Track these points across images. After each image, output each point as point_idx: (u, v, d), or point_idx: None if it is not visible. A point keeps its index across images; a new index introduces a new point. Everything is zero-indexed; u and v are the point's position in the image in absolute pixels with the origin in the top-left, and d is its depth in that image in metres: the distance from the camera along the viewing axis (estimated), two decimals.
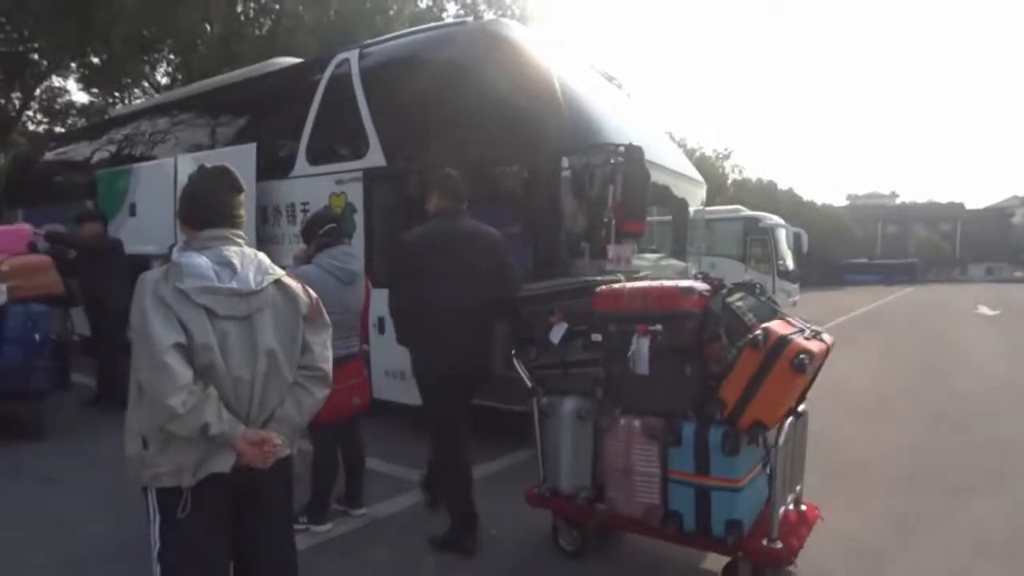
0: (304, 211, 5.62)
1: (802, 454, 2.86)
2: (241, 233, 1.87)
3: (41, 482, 3.91)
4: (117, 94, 16.97)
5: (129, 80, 15.81)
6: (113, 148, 8.45)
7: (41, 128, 18.98)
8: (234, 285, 1.72)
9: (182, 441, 1.67)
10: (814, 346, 2.42)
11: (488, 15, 18.18)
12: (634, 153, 4.11)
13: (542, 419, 2.95)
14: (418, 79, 5.19)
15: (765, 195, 33.91)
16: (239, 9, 14.90)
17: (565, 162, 4.32)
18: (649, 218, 5.28)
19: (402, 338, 3.21)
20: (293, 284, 1.87)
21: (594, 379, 2.83)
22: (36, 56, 14.94)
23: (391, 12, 15.19)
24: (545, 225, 4.43)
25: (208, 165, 1.91)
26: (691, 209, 6.33)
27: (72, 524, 3.36)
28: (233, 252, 1.79)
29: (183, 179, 6.37)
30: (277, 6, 14.83)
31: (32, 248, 4.94)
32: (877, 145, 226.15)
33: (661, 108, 54.72)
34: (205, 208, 1.84)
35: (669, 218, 6.69)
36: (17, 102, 16.62)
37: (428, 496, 3.53)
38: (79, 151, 9.56)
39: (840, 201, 74.24)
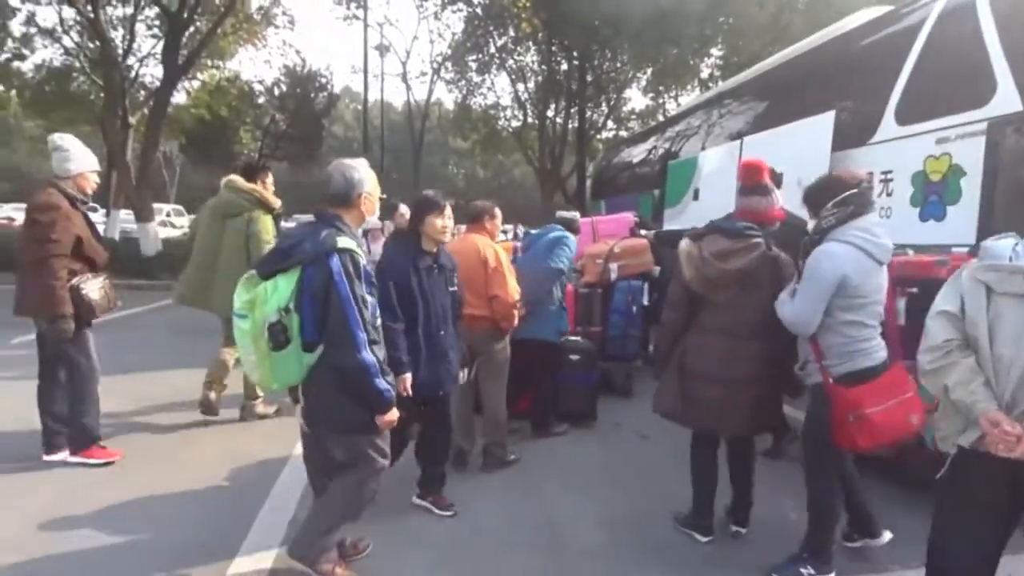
0: (884, 180, 4.85)
1: None
2: None
3: (639, 438, 4.45)
4: (670, 95, 19.16)
5: (677, 80, 17.55)
6: (677, 141, 9.34)
7: (611, 134, 23.16)
8: (1021, 263, 1.76)
9: (952, 409, 1.85)
10: None
11: None
12: None
13: None
14: None
15: None
16: None
17: None
18: None
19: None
20: None
21: None
22: (614, 73, 18.20)
23: None
24: None
25: None
26: None
27: (654, 480, 3.68)
28: None
29: (746, 158, 6.14)
30: None
31: (633, 233, 5.80)
32: None
33: None
34: None
35: None
36: (600, 116, 20.66)
37: None
38: (645, 149, 11.03)
39: None
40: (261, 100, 18.88)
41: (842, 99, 5.48)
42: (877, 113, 5.05)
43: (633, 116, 22.72)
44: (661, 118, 17.24)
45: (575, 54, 16.37)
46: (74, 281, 3.48)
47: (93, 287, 3.56)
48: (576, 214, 5.10)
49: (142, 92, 18.66)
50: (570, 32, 14.87)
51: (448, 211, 3.03)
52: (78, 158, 3.56)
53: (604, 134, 22.88)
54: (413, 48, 32.59)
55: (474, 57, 19.15)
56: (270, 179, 4.52)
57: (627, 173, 11.82)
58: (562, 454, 4.15)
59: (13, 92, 20.29)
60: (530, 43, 18.69)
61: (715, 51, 16.33)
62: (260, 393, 4.60)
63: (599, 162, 15.87)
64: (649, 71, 17.54)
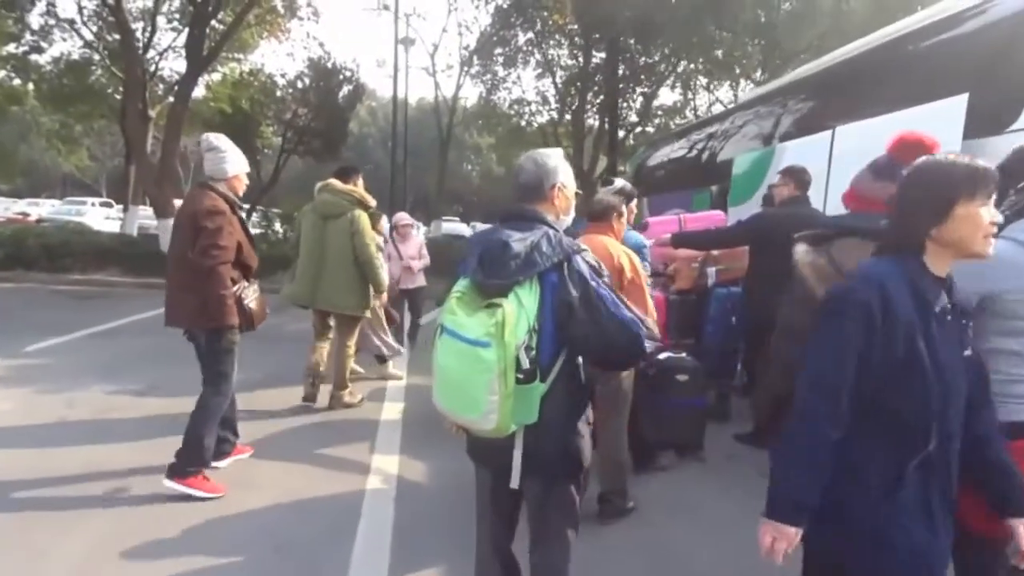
0: None
1: None
2: None
3: (760, 476, 3.81)
4: (705, 88, 18.37)
5: (727, 72, 16.69)
6: (745, 132, 8.64)
7: (638, 131, 22.32)
8: None
9: None
10: None
11: None
12: None
13: None
14: None
15: None
16: None
17: None
18: None
19: None
20: None
21: None
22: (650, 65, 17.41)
23: None
24: None
25: None
26: None
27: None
28: None
29: (840, 151, 5.25)
30: None
31: None
32: None
33: None
34: None
35: None
36: (631, 113, 19.93)
37: None
38: (700, 141, 10.31)
39: None
40: (281, 94, 18.23)
41: (976, 80, 4.78)
42: (1019, 97, 4.38)
43: (660, 112, 21.99)
44: (690, 114, 16.47)
45: (611, 45, 15.63)
46: (234, 290, 3.19)
47: (251, 296, 3.36)
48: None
49: (160, 86, 18.21)
50: (604, 23, 14.12)
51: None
52: (234, 160, 3.35)
53: (635, 131, 22.18)
54: (441, 42, 32.11)
55: (500, 51, 18.60)
56: (361, 181, 4.74)
57: (676, 167, 11.08)
58: (687, 499, 3.50)
59: (30, 85, 19.91)
60: (559, 36, 18.04)
61: (759, 41, 15.54)
62: (349, 383, 4.82)
63: (639, 156, 15.15)
64: (682, 65, 16.74)
